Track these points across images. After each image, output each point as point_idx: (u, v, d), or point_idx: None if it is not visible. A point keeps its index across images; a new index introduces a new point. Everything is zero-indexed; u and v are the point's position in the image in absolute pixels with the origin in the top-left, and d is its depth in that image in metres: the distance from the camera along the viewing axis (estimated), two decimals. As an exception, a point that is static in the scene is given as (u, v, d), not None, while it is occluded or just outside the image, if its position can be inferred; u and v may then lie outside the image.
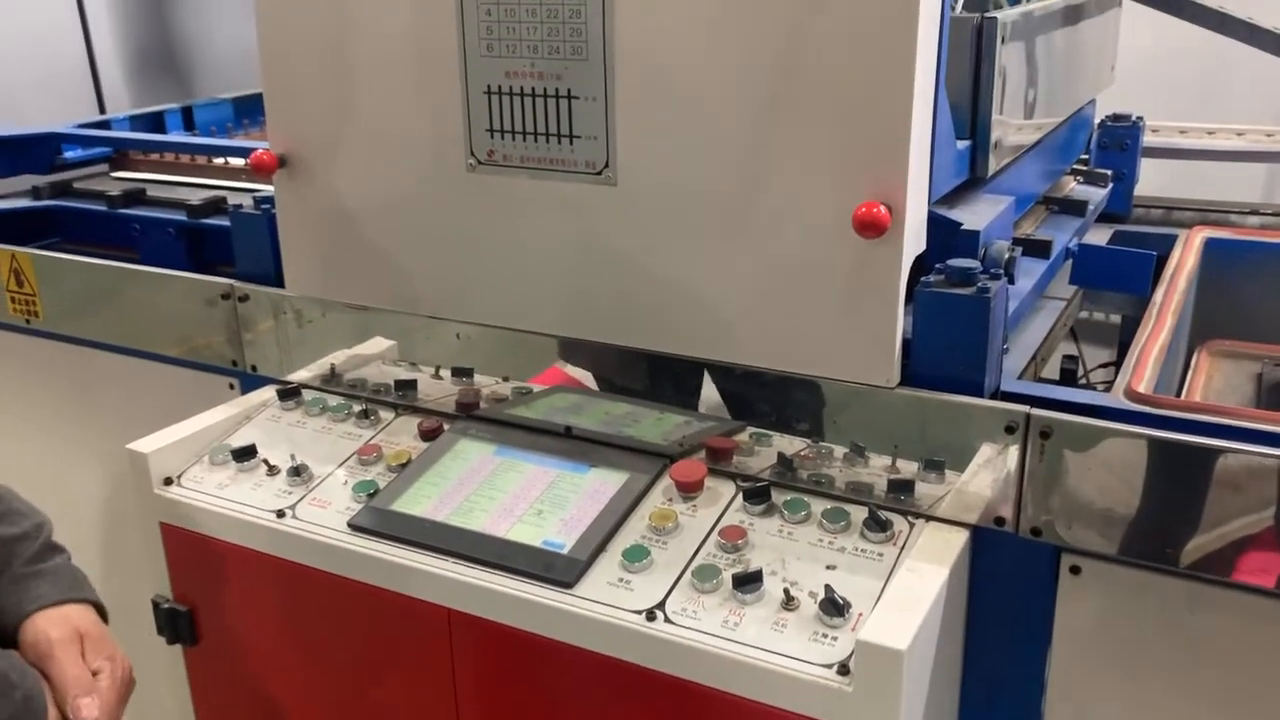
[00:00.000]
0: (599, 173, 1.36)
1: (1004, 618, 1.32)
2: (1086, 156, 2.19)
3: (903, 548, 1.27)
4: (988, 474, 1.26)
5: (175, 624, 1.58)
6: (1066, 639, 1.29)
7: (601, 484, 1.41)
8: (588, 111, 1.34)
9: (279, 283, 1.71)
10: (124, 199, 2.14)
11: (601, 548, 1.31)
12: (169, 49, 3.05)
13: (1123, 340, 2.16)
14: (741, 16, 1.23)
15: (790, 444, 1.38)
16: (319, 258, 1.63)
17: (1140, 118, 2.19)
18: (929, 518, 1.30)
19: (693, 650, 1.18)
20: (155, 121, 2.54)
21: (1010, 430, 1.23)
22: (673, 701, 1.22)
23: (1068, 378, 2.14)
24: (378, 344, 1.78)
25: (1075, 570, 1.26)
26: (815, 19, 1.19)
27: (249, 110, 2.71)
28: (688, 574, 1.26)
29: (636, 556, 1.28)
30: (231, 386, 1.82)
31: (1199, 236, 2.07)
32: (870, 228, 1.18)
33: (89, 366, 2.01)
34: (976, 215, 1.39)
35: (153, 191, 2.19)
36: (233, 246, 1.76)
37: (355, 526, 1.41)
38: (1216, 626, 1.20)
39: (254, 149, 1.61)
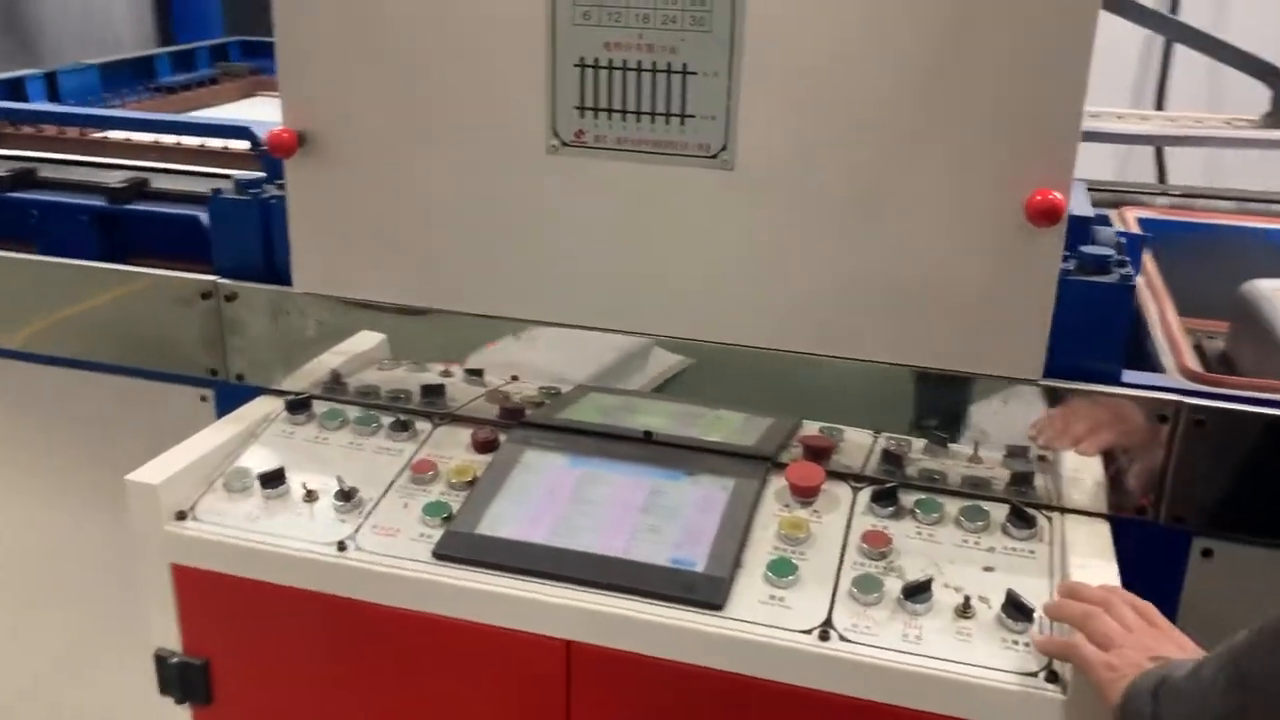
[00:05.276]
0: (714, 155, 1.24)
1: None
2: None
3: (1050, 543, 1.24)
4: (1128, 463, 1.24)
5: (187, 680, 1.36)
6: (1193, 621, 1.30)
7: (707, 492, 1.31)
8: (706, 88, 1.22)
9: (269, 279, 1.50)
10: (11, 181, 1.82)
11: (737, 562, 1.21)
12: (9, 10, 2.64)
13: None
14: (904, -13, 1.15)
15: (863, 437, 1.33)
16: (341, 251, 1.42)
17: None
18: (1063, 510, 1.28)
19: (877, 669, 1.11)
20: (14, 89, 2.18)
21: (1162, 419, 1.22)
22: (850, 724, 1.14)
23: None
24: (365, 340, 1.58)
25: (1207, 554, 1.27)
26: (989, -4, 1.13)
27: (117, 79, 2.37)
28: (844, 586, 1.18)
29: (784, 571, 1.19)
30: (204, 399, 1.58)
31: (1132, 216, 2.15)
32: (1046, 215, 1.13)
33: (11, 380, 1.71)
34: (1074, 203, 1.37)
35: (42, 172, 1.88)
36: (211, 237, 1.52)
37: (443, 556, 1.24)
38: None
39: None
